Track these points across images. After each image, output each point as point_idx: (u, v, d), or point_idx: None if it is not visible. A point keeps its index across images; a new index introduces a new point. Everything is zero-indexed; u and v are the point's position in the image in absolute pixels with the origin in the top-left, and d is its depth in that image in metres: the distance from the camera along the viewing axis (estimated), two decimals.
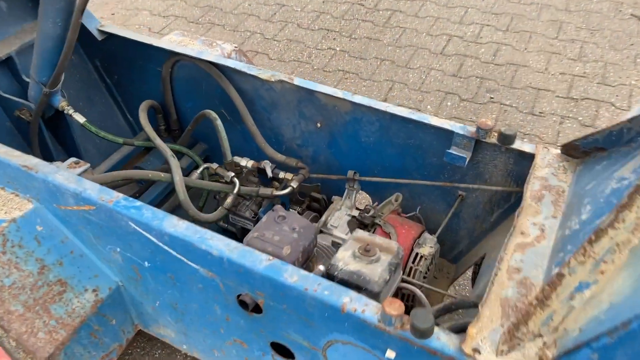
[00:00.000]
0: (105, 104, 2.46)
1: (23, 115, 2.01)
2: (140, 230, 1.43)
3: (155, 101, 2.25)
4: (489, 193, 1.80)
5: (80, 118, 2.00)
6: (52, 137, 2.21)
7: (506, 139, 1.61)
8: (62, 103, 1.99)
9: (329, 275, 1.38)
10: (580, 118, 3.26)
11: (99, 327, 1.68)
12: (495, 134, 1.66)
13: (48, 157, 2.17)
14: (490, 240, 1.86)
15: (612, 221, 1.00)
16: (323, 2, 4.48)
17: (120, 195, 1.47)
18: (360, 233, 1.49)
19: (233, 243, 1.34)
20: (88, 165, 1.70)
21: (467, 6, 4.35)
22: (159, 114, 2.31)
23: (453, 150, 1.69)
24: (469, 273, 2.28)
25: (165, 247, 1.43)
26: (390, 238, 1.70)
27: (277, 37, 4.09)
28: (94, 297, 1.65)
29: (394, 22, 4.22)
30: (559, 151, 1.59)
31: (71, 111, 2.00)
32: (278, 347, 1.50)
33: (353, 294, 1.22)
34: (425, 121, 1.72)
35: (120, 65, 2.35)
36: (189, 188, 1.81)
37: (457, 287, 2.40)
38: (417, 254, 1.69)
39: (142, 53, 2.21)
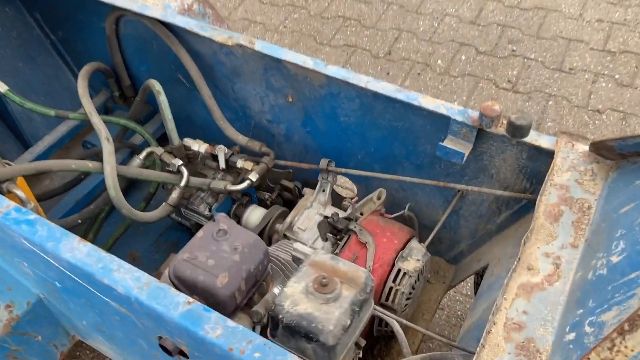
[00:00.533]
0: (52, 64, 2.10)
1: None
2: (37, 251, 1.13)
3: (105, 64, 1.88)
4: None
5: (2, 86, 1.66)
6: None
7: (517, 130, 1.23)
8: None
9: (273, 319, 1.07)
10: (617, 76, 2.79)
11: (19, 347, 1.43)
12: (504, 122, 1.27)
13: None
14: (496, 246, 1.52)
15: None
16: None
17: (12, 204, 1.15)
18: (319, 257, 1.15)
19: (144, 277, 1.03)
20: None
21: None
22: (110, 79, 1.95)
23: (448, 144, 1.31)
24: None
25: (69, 274, 1.13)
26: (366, 250, 1.37)
27: None
28: (7, 314, 1.37)
29: None
30: (586, 148, 1.21)
31: None
32: None
33: (292, 358, 0.91)
34: (415, 102, 1.34)
35: (63, 19, 1.97)
36: (128, 179, 1.49)
37: (458, 298, 2.08)
38: (399, 270, 1.36)
39: (81, 5, 1.82)
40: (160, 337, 1.09)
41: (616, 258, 0.92)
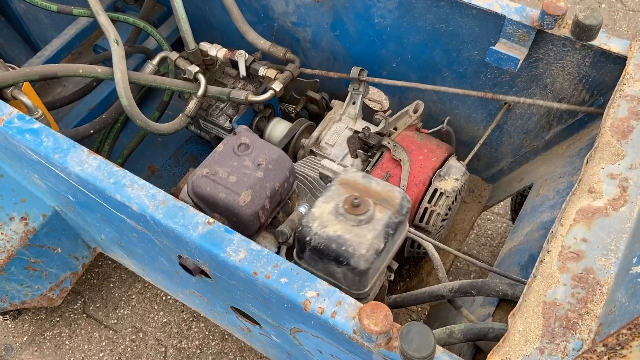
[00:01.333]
0: None
1: None
2: (45, 162, 1.04)
3: None
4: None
5: None
6: None
7: (585, 31, 1.05)
8: None
9: (299, 241, 0.98)
10: None
11: (37, 259, 1.40)
12: (568, 23, 1.09)
13: None
14: (542, 165, 1.38)
15: None
16: None
17: (15, 111, 1.05)
18: (349, 175, 1.04)
19: (160, 194, 0.94)
20: None
21: None
22: None
23: (500, 48, 1.14)
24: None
25: (80, 188, 1.04)
26: (400, 168, 1.25)
27: None
28: (23, 226, 1.33)
29: None
30: None
31: None
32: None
33: (321, 285, 0.83)
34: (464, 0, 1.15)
35: None
36: (142, 87, 1.36)
37: (489, 217, 1.97)
38: (435, 190, 1.25)
39: None
40: (180, 257, 1.02)
41: None
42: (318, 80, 1.54)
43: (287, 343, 1.14)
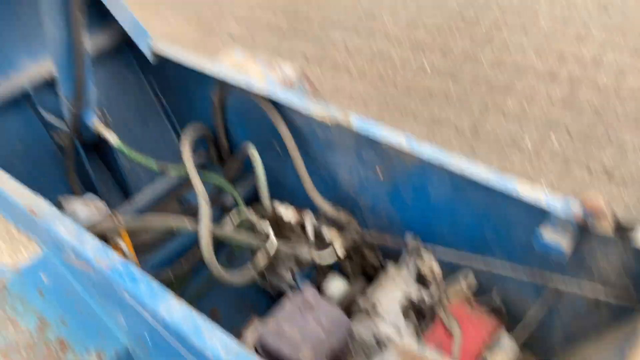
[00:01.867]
0: (161, 126, 2.29)
1: (60, 139, 1.87)
2: (136, 307, 1.19)
3: (208, 127, 2.03)
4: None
5: (113, 138, 1.82)
6: (95, 162, 2.07)
7: (624, 230, 1.16)
8: (95, 123, 1.82)
9: None
10: None
11: None
12: (609, 220, 1.21)
13: (89, 185, 2.03)
14: (592, 349, 1.40)
15: None
16: (417, 12, 4.07)
17: (118, 259, 1.23)
18: (405, 345, 1.13)
19: (233, 345, 1.05)
20: (104, 209, 1.50)
21: (587, 21, 3.72)
22: (209, 140, 2.09)
23: (547, 236, 1.27)
24: None
25: (163, 331, 1.17)
26: (452, 339, 1.31)
27: (361, 48, 3.76)
28: None
29: (497, 39, 3.71)
30: None
31: (104, 130, 1.82)
32: None
33: None
34: (512, 191, 1.32)
35: (175, 86, 2.16)
36: (218, 239, 1.56)
37: None
38: None
39: (194, 76, 1.99)
40: None
41: None
42: (376, 244, 1.69)
43: None
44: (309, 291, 1.25)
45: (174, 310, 1.12)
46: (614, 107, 3.02)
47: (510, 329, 1.48)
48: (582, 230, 1.24)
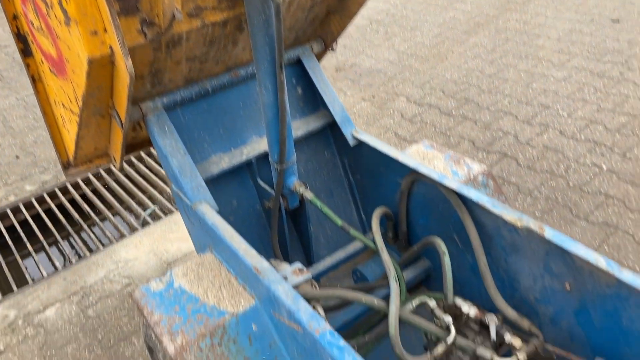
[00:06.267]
0: (344, 199, 2.55)
1: (271, 205, 2.20)
2: None
3: (389, 209, 2.22)
4: None
5: (309, 194, 2.09)
6: (290, 227, 2.36)
7: None
8: (295, 183, 2.11)
9: None
10: None
11: None
12: None
13: (283, 244, 2.32)
14: None
15: None
16: (598, 110, 3.98)
17: (328, 328, 1.42)
18: None
19: None
20: (309, 275, 1.73)
21: None
22: (390, 221, 2.27)
23: None
24: None
25: None
26: None
27: (532, 141, 3.76)
28: None
29: None
30: None
31: (302, 190, 2.10)
32: None
33: None
34: None
35: (365, 168, 2.41)
36: (400, 320, 1.69)
37: None
38: None
39: (386, 162, 2.22)
40: None
41: None
42: (555, 358, 1.68)
43: None
44: None
45: None
46: None
47: None
48: None
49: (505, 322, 1.72)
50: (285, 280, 1.69)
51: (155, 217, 3.46)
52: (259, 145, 2.28)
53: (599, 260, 1.52)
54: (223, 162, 2.20)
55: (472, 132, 3.97)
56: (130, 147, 2.30)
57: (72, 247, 3.35)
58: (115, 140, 2.09)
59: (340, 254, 2.38)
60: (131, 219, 3.46)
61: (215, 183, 2.17)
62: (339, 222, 2.12)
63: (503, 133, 3.91)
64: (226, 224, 1.84)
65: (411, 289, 2.23)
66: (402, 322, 1.79)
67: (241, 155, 2.23)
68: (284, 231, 2.31)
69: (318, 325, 1.44)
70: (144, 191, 3.71)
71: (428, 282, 2.25)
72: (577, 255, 1.55)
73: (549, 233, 1.63)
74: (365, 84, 4.92)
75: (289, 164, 2.07)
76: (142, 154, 4.02)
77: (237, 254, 1.72)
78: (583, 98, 4.13)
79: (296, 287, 1.73)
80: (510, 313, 1.69)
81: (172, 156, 1.99)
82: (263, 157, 2.28)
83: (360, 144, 2.29)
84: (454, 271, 2.08)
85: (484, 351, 1.59)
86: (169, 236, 3.25)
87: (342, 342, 1.38)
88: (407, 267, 2.24)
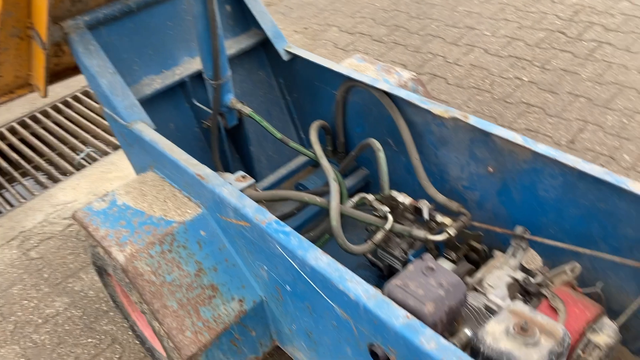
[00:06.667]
0: (282, 119, 2.59)
1: (210, 124, 2.20)
2: (286, 256, 1.44)
3: (327, 122, 2.29)
4: None
5: (247, 109, 2.12)
6: (231, 146, 2.39)
7: None
8: (232, 100, 2.13)
9: (473, 349, 1.22)
10: None
11: (240, 336, 1.75)
12: None
13: (225, 163, 2.35)
14: None
15: None
16: (518, 27, 4.16)
17: (273, 217, 1.49)
18: (519, 306, 1.29)
19: (372, 290, 1.26)
20: (253, 181, 1.78)
21: None
22: (328, 135, 2.34)
23: None
24: None
25: (306, 278, 1.41)
26: (557, 316, 1.45)
27: (459, 61, 3.91)
28: (239, 307, 1.71)
29: (599, 55, 3.72)
30: None
31: (239, 105, 2.13)
32: None
33: None
34: (624, 186, 1.44)
35: (300, 84, 2.44)
36: (342, 216, 1.79)
37: None
38: (589, 341, 1.42)
39: (321, 75, 2.26)
40: (372, 344, 1.30)
41: None
42: (482, 234, 1.85)
43: None
44: (429, 258, 1.44)
45: (321, 258, 1.35)
46: None
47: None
48: None
49: (437, 208, 1.86)
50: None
51: (91, 159, 3.37)
52: (191, 65, 2.25)
53: (517, 137, 1.66)
54: (155, 83, 2.17)
55: (403, 57, 4.06)
56: (54, 75, 2.21)
57: (3, 197, 3.21)
58: (37, 66, 2.01)
59: (282, 171, 2.45)
60: (65, 163, 3.35)
61: (149, 106, 2.13)
62: (278, 134, 2.16)
63: (432, 55, 4.03)
64: (165, 139, 1.84)
65: (351, 196, 2.34)
66: (343, 217, 1.89)
67: (173, 76, 2.20)
68: (225, 151, 2.34)
69: (264, 216, 1.50)
70: (75, 136, 3.58)
71: (367, 189, 2.37)
72: (497, 135, 1.69)
73: (473, 119, 1.76)
74: (296, 16, 4.87)
75: (224, 80, 2.07)
76: (70, 100, 3.85)
77: (179, 165, 1.74)
78: (505, 18, 4.30)
79: (241, 191, 1.78)
80: (441, 198, 1.83)
81: (101, 76, 1.94)
82: (197, 78, 2.26)
83: (294, 59, 2.32)
84: (389, 173, 2.20)
85: (418, 232, 1.72)
86: (108, 176, 3.19)
87: (287, 228, 1.46)
88: (347, 177, 2.34)
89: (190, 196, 1.80)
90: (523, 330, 1.20)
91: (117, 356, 2.22)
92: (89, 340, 2.30)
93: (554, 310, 1.47)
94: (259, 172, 2.47)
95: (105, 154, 3.39)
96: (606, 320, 1.48)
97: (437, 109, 1.84)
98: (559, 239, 1.71)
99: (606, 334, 1.44)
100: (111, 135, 3.50)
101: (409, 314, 1.20)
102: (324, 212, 2.21)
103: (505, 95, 3.51)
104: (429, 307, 1.32)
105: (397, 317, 1.20)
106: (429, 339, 1.14)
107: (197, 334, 1.64)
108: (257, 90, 2.49)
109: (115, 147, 3.42)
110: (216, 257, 1.72)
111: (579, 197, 1.59)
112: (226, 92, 2.13)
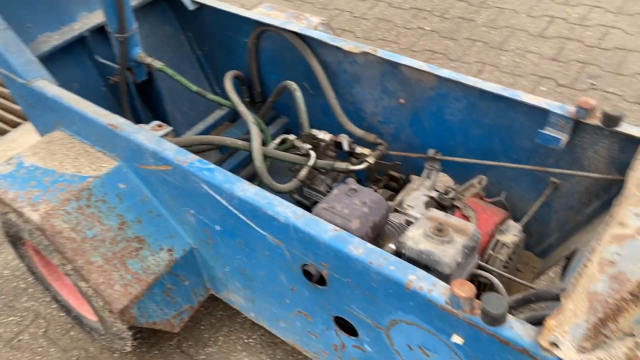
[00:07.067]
0: (194, 75, 2.53)
1: (117, 80, 2.11)
2: (212, 193, 1.45)
3: (241, 72, 2.27)
4: (587, 182, 1.62)
5: (157, 63, 2.06)
6: (142, 104, 2.31)
7: (610, 120, 1.43)
8: (140, 54, 2.06)
9: (397, 253, 1.31)
10: None
11: (172, 286, 1.74)
12: (598, 115, 1.48)
13: (137, 121, 2.27)
14: (584, 234, 1.68)
15: None
16: None
17: (195, 157, 1.48)
18: (434, 212, 1.40)
19: (300, 211, 1.31)
20: (170, 128, 1.74)
21: None
22: (244, 86, 2.33)
23: (547, 131, 1.54)
24: (558, 270, 2.10)
25: (235, 211, 1.43)
26: (468, 220, 1.59)
27: (365, 15, 4.00)
28: (168, 256, 1.70)
29: (491, 2, 3.96)
30: None
31: (149, 60, 2.06)
32: (342, 324, 1.46)
33: (420, 272, 1.14)
34: (518, 98, 1.58)
35: (210, 36, 2.39)
36: (265, 158, 1.81)
37: (543, 283, 2.21)
38: (497, 240, 1.57)
39: (230, 23, 2.23)
40: (304, 264, 1.35)
41: None
42: (399, 163, 1.95)
43: (378, 351, 1.39)
44: (352, 182, 1.51)
45: (248, 189, 1.37)
46: (598, 61, 3.30)
47: None
48: (576, 125, 1.51)
49: (356, 142, 1.94)
50: None
51: None
52: (90, 20, 2.13)
53: (422, 65, 1.76)
54: (53, 40, 2.03)
55: (311, 14, 4.08)
56: None
57: None
58: None
59: (199, 127, 2.41)
60: None
61: (49, 65, 2.00)
62: (194, 88, 2.12)
63: (339, 11, 4.09)
64: (70, 93, 1.75)
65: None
66: (270, 164, 1.92)
67: (72, 31, 2.08)
68: (137, 108, 2.26)
69: (185, 157, 1.49)
70: None
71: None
72: (405, 64, 1.78)
73: (381, 52, 1.83)
74: None
75: (131, 33, 1.99)
76: None
77: (89, 118, 1.66)
78: None
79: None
80: (359, 132, 1.90)
81: None
82: (98, 33, 2.15)
83: (201, 8, 2.26)
84: (310, 116, 2.25)
85: (340, 164, 1.79)
86: (10, 154, 2.96)
87: (211, 165, 1.46)
88: (268, 126, 2.36)
89: (104, 150, 1.73)
90: (439, 231, 1.31)
91: (42, 330, 2.12)
92: (11, 318, 2.17)
93: (466, 218, 1.60)
94: (175, 129, 2.42)
95: (4, 132, 3.15)
96: (511, 222, 1.64)
97: (347, 45, 1.89)
98: (466, 157, 1.85)
99: (512, 233, 1.60)
100: (9, 112, 3.25)
101: (336, 227, 1.26)
102: (249, 160, 2.22)
103: (411, 44, 3.66)
104: (355, 224, 1.39)
105: (326, 231, 1.25)
106: (357, 246, 1.21)
107: (126, 287, 1.61)
108: (164, 46, 2.41)
109: (14, 125, 3.18)
110: (139, 209, 1.68)
111: (481, 116, 1.72)
112: (134, 46, 2.05)
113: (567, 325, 1.02)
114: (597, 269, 1.13)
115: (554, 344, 0.98)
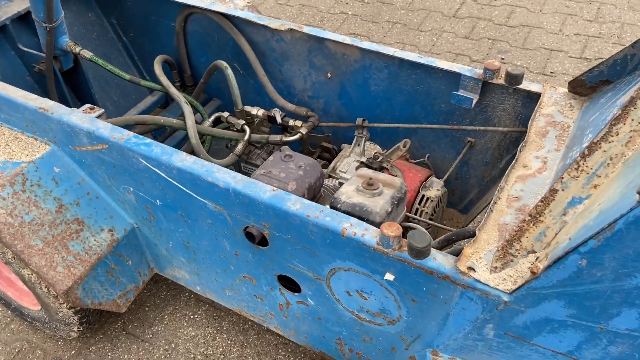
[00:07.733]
0: (122, 62, 2.51)
1: (42, 68, 2.07)
2: (151, 166, 1.48)
3: (170, 57, 2.29)
4: (498, 138, 1.80)
5: (87, 53, 2.05)
6: (70, 92, 2.27)
7: (513, 79, 1.61)
8: (68, 43, 2.04)
9: (331, 208, 1.41)
10: None
11: (116, 266, 1.76)
12: (503, 75, 1.66)
13: None
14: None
15: (606, 134, 1.01)
16: None
17: (131, 133, 1.51)
18: (364, 170, 1.51)
19: (238, 176, 1.38)
20: (102, 110, 1.75)
21: None
22: (174, 70, 2.35)
23: (460, 92, 1.70)
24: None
25: (175, 182, 1.48)
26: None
27: (290, 2, 4.09)
28: (110, 236, 1.71)
29: None
30: (566, 90, 1.59)
31: (78, 49, 2.05)
32: (285, 282, 1.55)
33: (353, 219, 1.25)
34: (433, 64, 1.73)
35: (136, 22, 2.39)
36: (201, 135, 1.86)
37: None
38: (423, 195, 1.72)
39: (155, 7, 2.25)
40: (246, 227, 1.43)
41: (586, 144, 1.28)
42: (330, 134, 2.06)
43: (321, 302, 1.50)
44: (287, 149, 1.60)
45: (186, 159, 1.43)
46: (507, 38, 3.57)
47: None
48: (485, 85, 1.68)
49: (289, 116, 2.03)
50: None
51: None
52: (10, 8, 2.08)
53: (346, 39, 1.87)
54: None
55: None
56: None
57: None
58: None
59: (131, 114, 2.41)
60: None
61: None
62: (127, 76, 2.12)
63: None
64: None
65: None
66: (203, 136, 1.97)
67: None
68: (65, 97, 2.22)
69: (121, 134, 1.52)
70: None
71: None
72: (330, 39, 1.88)
73: (307, 29, 1.93)
74: None
75: (58, 22, 1.96)
76: None
77: (17, 103, 1.64)
78: None
79: None
80: (290, 107, 1.99)
81: None
82: (19, 21, 2.09)
83: None
84: (242, 97, 2.31)
85: (274, 137, 1.87)
86: None
87: (148, 140, 1.49)
88: (205, 105, 2.39)
89: (35, 135, 1.72)
90: (369, 185, 1.42)
91: None
92: None
93: (393, 176, 1.73)
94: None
95: None
96: (434, 179, 1.80)
97: (274, 23, 1.97)
98: (391, 123, 1.99)
99: (435, 188, 1.76)
100: None
101: (274, 188, 1.34)
102: (185, 142, 2.26)
103: (335, 29, 3.79)
104: (292, 186, 1.48)
105: (265, 192, 1.33)
106: (294, 202, 1.30)
107: (69, 268, 1.62)
108: (88, 34, 2.39)
109: None
110: (76, 192, 1.69)
111: (402, 84, 1.86)
112: (61, 34, 2.02)
113: (481, 252, 1.17)
114: (505, 204, 1.29)
115: (471, 268, 1.13)
